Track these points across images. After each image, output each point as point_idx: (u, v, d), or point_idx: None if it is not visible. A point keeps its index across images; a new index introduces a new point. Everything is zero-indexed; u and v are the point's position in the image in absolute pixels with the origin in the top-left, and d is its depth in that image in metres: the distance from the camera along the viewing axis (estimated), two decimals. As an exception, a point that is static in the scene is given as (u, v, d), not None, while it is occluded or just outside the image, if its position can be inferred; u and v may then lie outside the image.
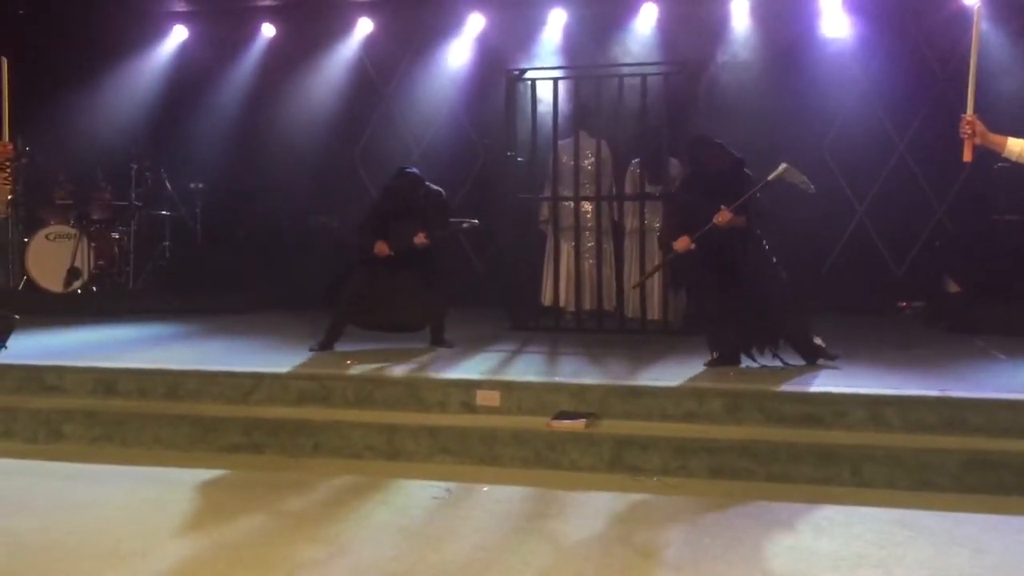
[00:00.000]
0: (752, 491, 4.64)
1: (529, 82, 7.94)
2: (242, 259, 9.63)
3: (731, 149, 6.01)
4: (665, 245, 6.38)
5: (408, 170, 6.75)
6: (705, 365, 5.94)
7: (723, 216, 5.77)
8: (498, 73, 8.54)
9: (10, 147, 5.05)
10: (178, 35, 10.41)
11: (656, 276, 7.78)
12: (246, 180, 10.10)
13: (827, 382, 5.48)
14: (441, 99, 9.91)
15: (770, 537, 4.03)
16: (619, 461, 4.95)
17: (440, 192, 6.73)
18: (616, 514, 4.37)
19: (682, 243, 5.94)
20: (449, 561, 3.77)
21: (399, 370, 5.84)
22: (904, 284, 9.19)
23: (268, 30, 10.22)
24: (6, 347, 6.39)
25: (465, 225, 6.87)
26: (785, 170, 5.83)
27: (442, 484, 4.74)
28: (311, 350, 6.46)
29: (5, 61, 5.08)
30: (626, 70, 7.89)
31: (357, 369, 5.87)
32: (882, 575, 3.63)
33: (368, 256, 6.48)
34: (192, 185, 10.06)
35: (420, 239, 6.42)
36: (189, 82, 10.33)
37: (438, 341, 6.56)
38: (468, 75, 9.82)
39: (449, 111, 9.94)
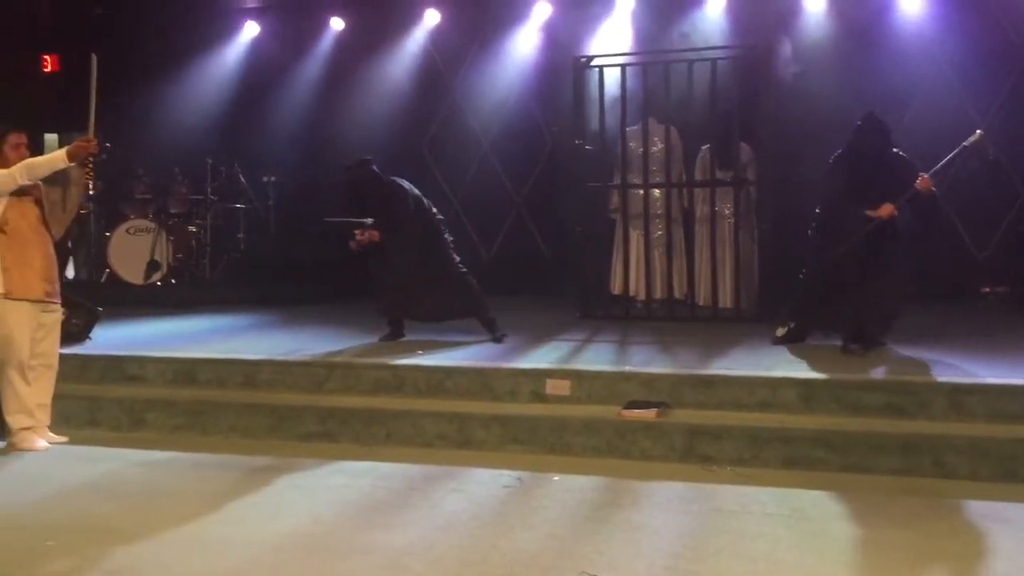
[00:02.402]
0: (828, 482, 4.55)
1: (596, 69, 7.88)
2: (314, 250, 9.76)
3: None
4: (834, 222, 5.91)
5: (360, 160, 6.63)
6: (774, 342, 5.91)
7: (924, 183, 5.63)
8: (565, 60, 8.50)
9: (94, 143, 5.18)
10: (250, 31, 10.59)
11: (728, 262, 7.69)
12: (317, 172, 10.24)
13: (907, 370, 5.35)
14: (508, 88, 9.89)
15: (847, 529, 3.95)
16: (691, 451, 4.91)
17: (398, 187, 6.57)
18: (689, 504, 4.33)
19: (886, 209, 5.66)
20: (521, 550, 3.78)
21: (469, 359, 5.86)
22: (987, 269, 8.89)
23: (337, 24, 10.32)
24: (90, 338, 6.64)
25: (359, 222, 6.52)
26: (980, 137, 5.69)
27: (513, 473, 4.76)
28: (380, 340, 6.52)
29: (95, 59, 5.22)
30: (695, 55, 7.77)
31: (428, 359, 5.91)
32: (963, 569, 3.53)
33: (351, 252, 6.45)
34: (265, 178, 10.25)
35: (371, 235, 6.32)
36: (261, 77, 10.50)
37: (493, 334, 6.49)
38: (535, 63, 9.79)
39: (516, 100, 9.92)
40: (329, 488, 4.62)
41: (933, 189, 5.71)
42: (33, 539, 3.92)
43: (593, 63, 7.96)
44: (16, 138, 5.23)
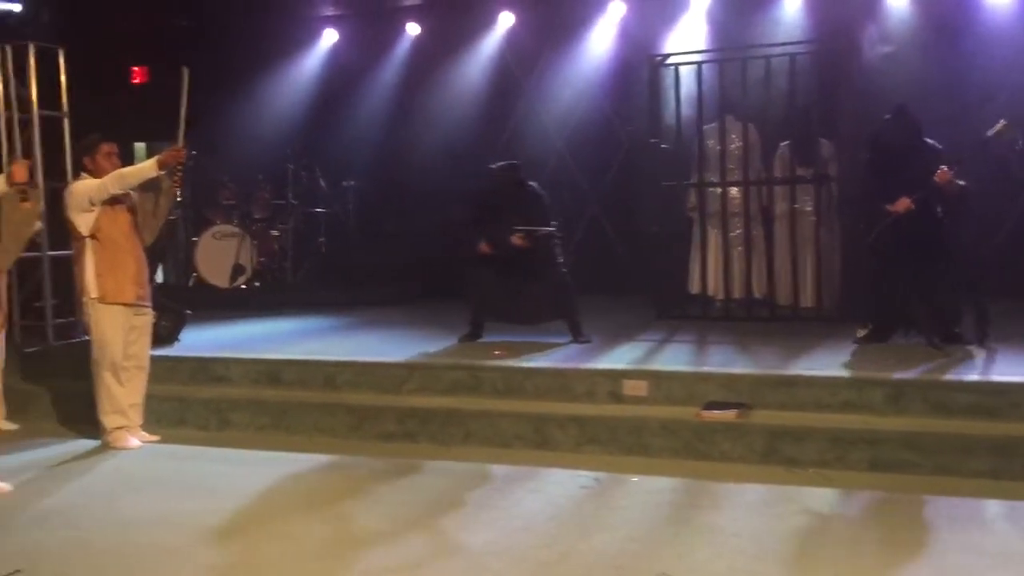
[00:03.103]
0: (915, 484, 4.44)
1: (672, 67, 7.82)
2: (393, 252, 9.89)
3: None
4: (872, 211, 5.95)
5: (509, 163, 6.63)
6: (854, 342, 5.78)
7: (943, 176, 5.54)
8: (640, 59, 8.44)
9: (183, 153, 5.34)
10: (329, 38, 10.77)
11: (809, 261, 7.54)
12: (395, 175, 10.37)
13: (998, 370, 5.18)
14: (583, 88, 9.87)
15: (935, 533, 3.85)
16: (773, 452, 4.84)
17: (541, 194, 6.60)
18: (771, 506, 4.26)
19: (902, 203, 5.64)
20: (600, 551, 3.78)
21: (547, 360, 5.87)
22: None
23: (413, 29, 10.44)
24: (178, 340, 6.84)
25: (544, 230, 6.47)
26: (1004, 127, 5.57)
27: (591, 474, 4.75)
28: (459, 341, 6.57)
29: (187, 71, 5.38)
30: (773, 50, 7.64)
31: (505, 359, 5.94)
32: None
33: (472, 254, 6.42)
34: (344, 182, 10.41)
35: (518, 239, 6.28)
36: (340, 83, 10.67)
37: (576, 336, 6.48)
38: (610, 63, 9.74)
39: (591, 100, 9.89)
40: (409, 488, 4.69)
41: (959, 183, 5.61)
42: (128, 535, 4.07)
43: (669, 61, 7.90)
44: (108, 148, 5.43)
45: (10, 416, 5.96)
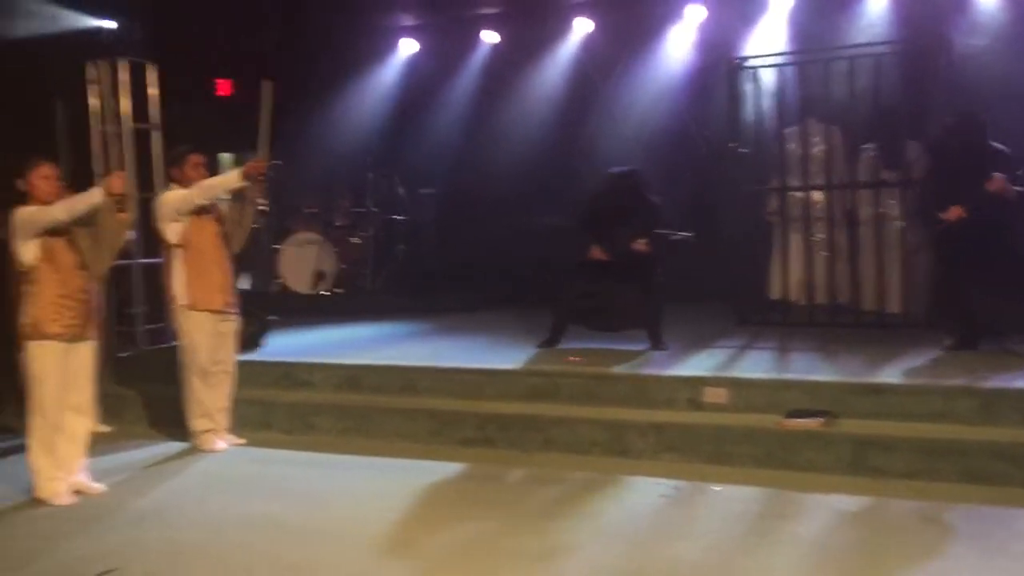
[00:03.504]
0: (1010, 497, 4.29)
1: (752, 70, 7.71)
2: (471, 259, 9.96)
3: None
4: (930, 218, 5.98)
5: (628, 169, 6.61)
6: (942, 350, 5.65)
7: (995, 183, 5.48)
8: (719, 63, 8.34)
9: (264, 164, 5.47)
10: (407, 48, 10.92)
11: (896, 266, 7.34)
12: (473, 183, 10.44)
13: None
14: (661, 93, 9.79)
15: (1033, 548, 3.71)
16: (860, 462, 4.72)
17: (658, 201, 6.55)
18: (858, 518, 4.17)
19: (954, 212, 5.62)
20: (681, 560, 3.74)
21: (624, 367, 5.84)
22: None
23: (490, 37, 10.50)
24: (263, 345, 6.99)
25: (678, 236, 6.56)
26: None
27: (670, 482, 4.71)
28: (538, 347, 6.58)
29: (269, 85, 5.51)
30: (857, 51, 7.47)
31: (583, 366, 5.92)
32: None
33: (583, 259, 6.39)
34: (423, 190, 10.53)
35: (640, 245, 6.24)
36: (418, 92, 10.80)
37: (655, 344, 6.41)
38: (688, 67, 9.64)
39: (669, 104, 9.80)
40: (490, 492, 4.71)
41: (1017, 188, 5.55)
42: (217, 535, 4.18)
43: (748, 64, 7.79)
44: (196, 159, 5.59)
45: (104, 419, 6.16)
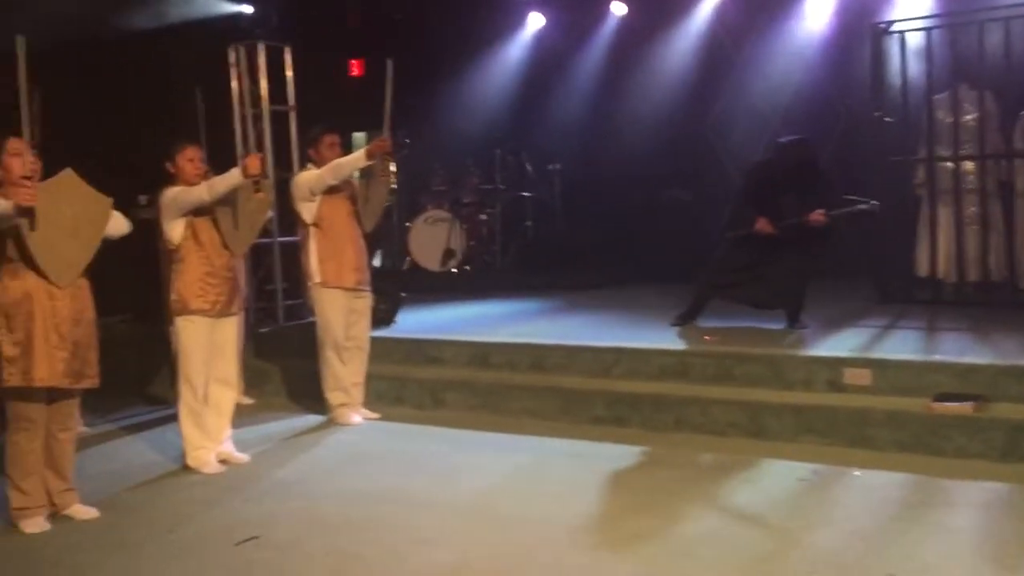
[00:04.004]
0: None
1: (898, 34, 7.32)
2: (599, 235, 9.88)
3: None
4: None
5: (800, 139, 6.18)
6: None
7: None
8: (862, 28, 7.96)
9: (389, 142, 5.53)
10: (534, 22, 10.87)
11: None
12: (600, 158, 10.34)
13: None
14: (799, 61, 9.43)
15: None
16: (1016, 450, 4.45)
17: (826, 171, 6.22)
18: (1013, 507, 3.93)
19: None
20: (820, 546, 3.61)
21: (760, 346, 5.67)
22: None
23: (619, 9, 10.34)
24: (395, 322, 7.12)
25: (864, 207, 6.08)
26: (873, 207, 5.72)
27: (809, 465, 4.55)
28: (672, 324, 6.45)
29: (391, 64, 5.57)
30: (1012, 11, 6.98)
31: (716, 344, 5.78)
32: None
33: (746, 230, 6.05)
34: (550, 166, 10.49)
35: (818, 216, 5.87)
36: (545, 67, 10.76)
37: (793, 322, 6.15)
38: (827, 34, 9.26)
39: (807, 73, 9.44)
40: (620, 472, 4.66)
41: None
42: (354, 507, 4.28)
43: (894, 28, 7.40)
44: (330, 139, 5.70)
45: (247, 391, 6.44)
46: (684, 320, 6.44)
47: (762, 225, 5.97)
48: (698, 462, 4.77)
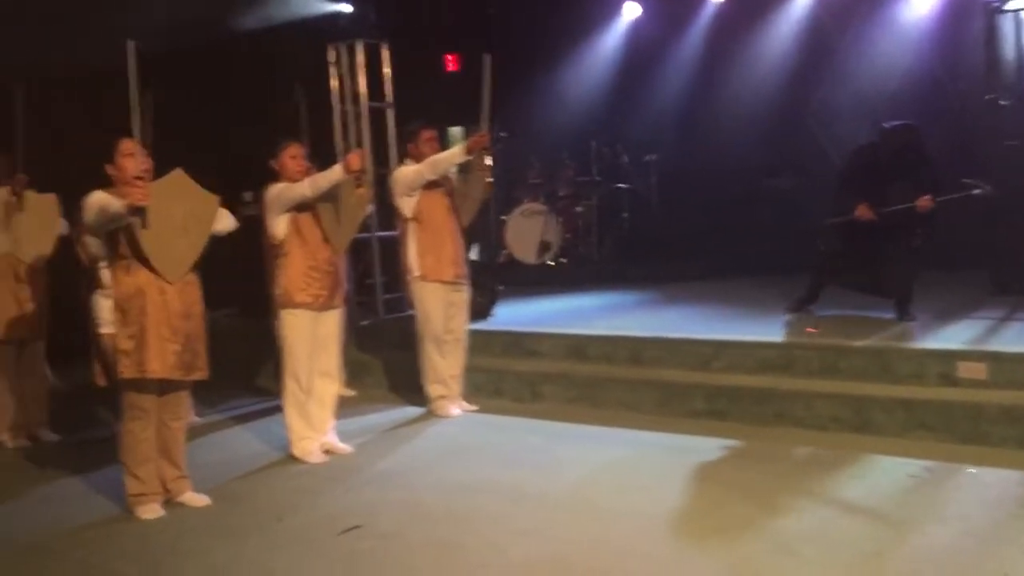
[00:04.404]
0: None
1: (1012, 13, 6.98)
2: (697, 226, 9.74)
3: None
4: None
5: (906, 124, 6.02)
6: None
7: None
8: (973, 7, 7.62)
9: (487, 137, 5.55)
10: (630, 12, 10.77)
11: None
12: (698, 148, 10.18)
13: None
14: (905, 44, 9.09)
15: None
16: None
17: (932, 159, 6.00)
18: None
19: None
20: (931, 545, 3.49)
21: (866, 339, 5.50)
22: None
23: (716, -4, 10.17)
24: (492, 315, 7.16)
25: (977, 191, 5.87)
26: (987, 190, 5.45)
27: (920, 462, 4.40)
28: (787, 310, 6.36)
29: (488, 59, 5.59)
30: None
31: (820, 338, 5.64)
32: None
33: (847, 218, 5.91)
34: (647, 157, 10.39)
35: (925, 202, 5.68)
36: (641, 57, 10.64)
37: (902, 314, 5.97)
38: (936, 15, 8.90)
39: (915, 56, 9.09)
40: (720, 466, 4.59)
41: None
42: (454, 498, 4.33)
43: (1008, 7, 7.06)
44: (428, 134, 5.76)
45: (348, 383, 6.57)
46: (799, 306, 6.33)
47: (862, 211, 5.82)
48: (801, 457, 4.67)
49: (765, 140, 9.77)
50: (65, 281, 5.50)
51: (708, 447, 4.89)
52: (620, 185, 10.33)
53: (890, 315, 5.96)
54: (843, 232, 5.99)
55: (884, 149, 5.93)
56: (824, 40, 9.65)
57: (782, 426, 5.13)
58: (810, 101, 9.74)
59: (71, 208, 4.84)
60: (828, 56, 9.65)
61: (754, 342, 5.72)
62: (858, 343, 5.41)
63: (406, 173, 5.68)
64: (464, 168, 5.74)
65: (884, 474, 4.32)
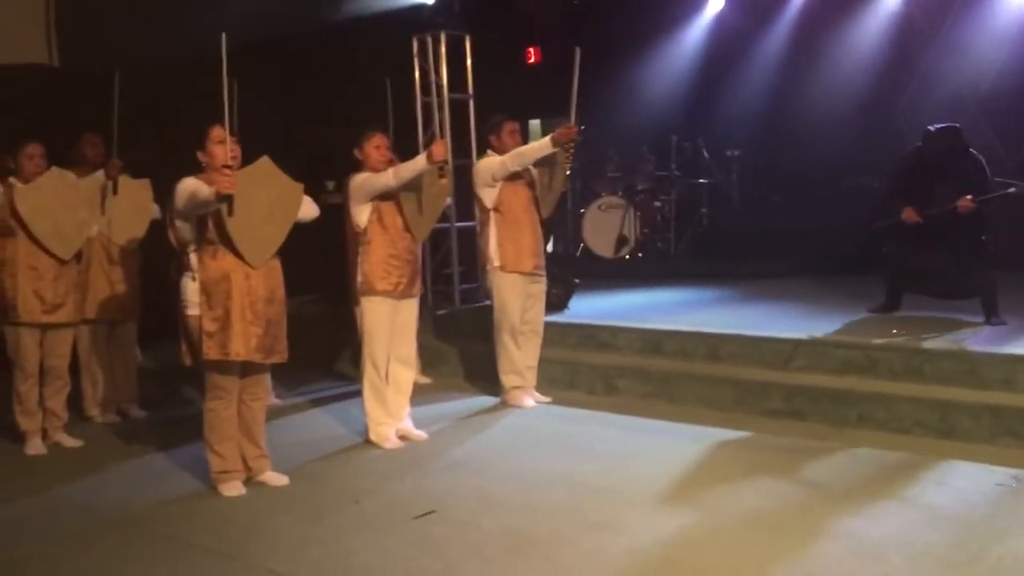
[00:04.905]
0: None
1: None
2: (778, 224, 9.58)
3: None
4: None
5: (950, 126, 6.05)
6: None
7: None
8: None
9: (575, 130, 5.53)
10: (714, 5, 10.63)
11: None
12: (781, 144, 10.01)
13: None
14: (1002, 39, 8.80)
15: None
16: None
17: (982, 161, 5.96)
18: None
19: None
20: (1019, 556, 3.38)
21: (952, 342, 5.35)
22: None
23: (803, -11, 9.97)
24: (568, 308, 7.16)
25: (1012, 190, 5.87)
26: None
27: (1009, 470, 4.28)
28: (869, 311, 6.27)
29: (579, 52, 5.57)
30: None
31: (904, 339, 5.50)
32: None
33: (892, 220, 5.97)
34: (728, 152, 10.25)
35: (966, 203, 5.68)
36: (725, 51, 10.49)
37: (990, 317, 5.81)
38: (1033, 11, 8.60)
39: (1011, 52, 8.79)
40: (798, 467, 4.51)
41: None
42: (526, 489, 4.35)
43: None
44: (511, 126, 5.77)
45: (424, 371, 6.65)
46: (883, 311, 6.24)
47: (908, 214, 5.90)
48: (882, 460, 4.56)
49: (850, 138, 9.54)
50: (157, 264, 5.66)
51: (785, 446, 4.82)
52: (700, 180, 10.22)
53: (976, 318, 5.79)
54: (900, 235, 6.01)
55: (928, 151, 6.00)
56: (915, 36, 9.39)
57: (863, 428, 5.03)
58: (900, 99, 9.49)
59: (164, 193, 4.99)
60: (920, 52, 9.38)
61: (835, 341, 5.62)
62: (944, 346, 5.27)
63: (490, 164, 5.70)
64: (548, 161, 5.73)
65: (970, 481, 4.20)
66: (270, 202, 4.34)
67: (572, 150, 5.66)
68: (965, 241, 5.82)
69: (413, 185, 5.03)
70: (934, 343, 5.35)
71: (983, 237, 5.90)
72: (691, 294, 8.11)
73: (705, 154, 10.28)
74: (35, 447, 5.26)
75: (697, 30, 10.81)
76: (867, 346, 5.48)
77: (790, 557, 3.48)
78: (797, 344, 5.69)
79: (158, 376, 6.83)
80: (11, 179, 5.23)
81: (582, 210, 10.24)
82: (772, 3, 10.20)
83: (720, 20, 10.68)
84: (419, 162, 4.91)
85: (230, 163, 4.11)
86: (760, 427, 5.19)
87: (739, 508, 3.97)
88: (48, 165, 5.29)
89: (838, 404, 5.17)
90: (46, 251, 5.20)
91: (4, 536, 4.04)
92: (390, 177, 4.93)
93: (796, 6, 10.09)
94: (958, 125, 6.10)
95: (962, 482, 4.19)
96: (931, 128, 6.07)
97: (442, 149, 4.94)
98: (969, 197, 5.70)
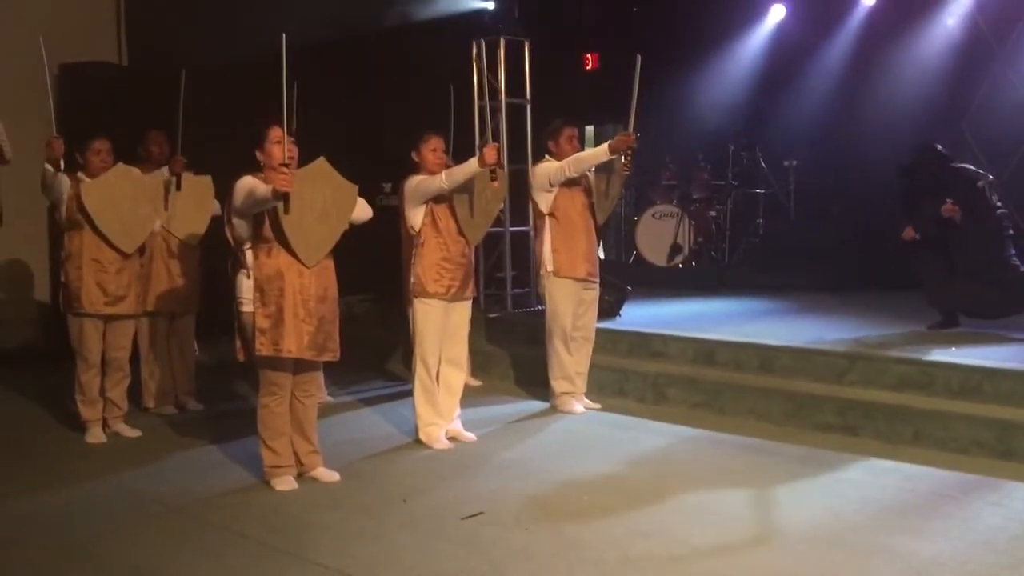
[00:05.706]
0: None
1: None
2: (835, 236, 9.43)
3: None
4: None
5: (926, 143, 6.31)
6: None
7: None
8: None
9: (634, 138, 5.52)
10: (776, 14, 10.52)
11: None
12: (841, 155, 9.86)
13: None
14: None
15: None
16: None
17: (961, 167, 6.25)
18: None
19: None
20: (1079, 583, 3.30)
21: (1013, 360, 5.23)
22: None
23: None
24: (620, 315, 7.14)
25: (980, 183, 6.08)
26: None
27: (1068, 494, 4.16)
28: (928, 328, 6.18)
29: (639, 59, 5.56)
30: None
31: (963, 356, 5.39)
32: None
33: (902, 241, 6.18)
34: (786, 162, 10.13)
35: (949, 208, 5.87)
36: (785, 60, 10.37)
37: None
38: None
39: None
40: (850, 483, 4.45)
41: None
42: (574, 494, 4.35)
43: None
44: (570, 132, 5.77)
45: (475, 373, 6.68)
46: (941, 327, 6.19)
47: (907, 234, 6.13)
48: (937, 479, 4.47)
49: (913, 149, 9.38)
50: (216, 260, 5.77)
51: (838, 462, 4.75)
52: (756, 190, 10.11)
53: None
54: (927, 256, 6.16)
55: (919, 168, 6.25)
56: (981, 47, 9.20)
57: (918, 446, 4.94)
58: (965, 109, 9.30)
59: (225, 191, 5.09)
60: (986, 63, 9.19)
61: (891, 357, 5.53)
62: (1005, 364, 5.15)
63: (548, 168, 5.71)
64: (606, 168, 5.73)
65: (1028, 503, 4.11)
66: (325, 202, 4.40)
67: (631, 158, 5.64)
68: (989, 265, 5.93)
69: (466, 188, 5.07)
70: (995, 361, 5.23)
71: (1007, 258, 5.98)
72: (744, 305, 8.03)
73: (762, 164, 10.18)
74: (95, 436, 5.40)
75: (758, 38, 10.71)
76: (924, 362, 5.38)
77: (839, 574, 3.43)
78: (853, 358, 5.60)
79: (215, 370, 6.96)
80: (79, 174, 5.38)
81: (636, 217, 10.21)
82: (835, 13, 10.06)
83: (782, 29, 10.57)
84: (471, 165, 4.94)
85: (287, 162, 4.18)
86: (812, 441, 5.12)
87: (788, 522, 3.93)
88: (114, 161, 5.43)
89: (893, 421, 5.08)
90: (110, 245, 5.34)
91: (63, 520, 4.15)
92: (442, 179, 4.97)
93: (859, 16, 9.94)
94: (935, 143, 6.34)
95: (1019, 503, 4.10)
96: (914, 145, 6.41)
97: (493, 152, 4.96)
98: (950, 202, 5.91)
